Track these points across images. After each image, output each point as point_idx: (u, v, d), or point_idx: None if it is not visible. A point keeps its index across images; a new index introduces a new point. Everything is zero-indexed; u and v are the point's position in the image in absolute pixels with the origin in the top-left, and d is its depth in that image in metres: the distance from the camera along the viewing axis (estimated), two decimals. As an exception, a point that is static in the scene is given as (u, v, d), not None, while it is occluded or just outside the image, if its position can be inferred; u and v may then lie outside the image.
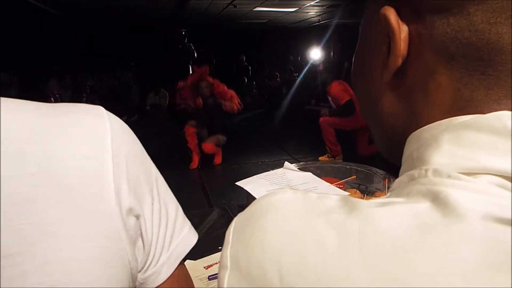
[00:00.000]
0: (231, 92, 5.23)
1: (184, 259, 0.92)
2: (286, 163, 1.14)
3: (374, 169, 1.17)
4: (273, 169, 1.14)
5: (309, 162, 1.26)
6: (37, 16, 7.00)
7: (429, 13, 0.28)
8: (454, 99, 0.28)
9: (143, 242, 0.41)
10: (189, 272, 0.92)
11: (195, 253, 0.88)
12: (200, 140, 5.15)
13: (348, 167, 1.22)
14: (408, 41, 0.30)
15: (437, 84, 0.29)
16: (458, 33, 0.27)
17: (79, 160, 0.36)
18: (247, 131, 5.50)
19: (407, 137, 0.31)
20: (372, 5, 0.33)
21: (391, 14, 0.29)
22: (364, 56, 0.36)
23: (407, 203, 0.25)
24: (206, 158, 5.20)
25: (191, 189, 4.23)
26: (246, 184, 1.03)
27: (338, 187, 1.09)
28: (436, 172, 0.26)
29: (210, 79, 5.16)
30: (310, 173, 1.11)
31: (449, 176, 0.25)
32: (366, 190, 1.13)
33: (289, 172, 1.11)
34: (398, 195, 0.27)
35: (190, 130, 5.13)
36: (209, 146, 5.13)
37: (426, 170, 0.26)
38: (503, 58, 0.26)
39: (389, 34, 0.30)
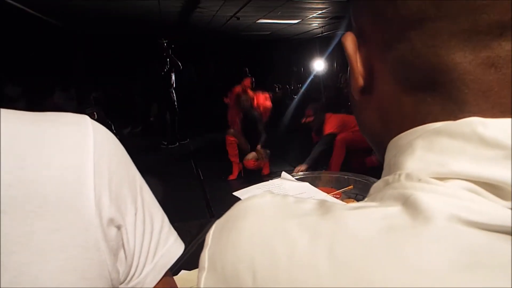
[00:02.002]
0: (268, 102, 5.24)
1: (178, 270, 0.92)
2: (284, 173, 1.14)
3: (372, 179, 1.16)
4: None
5: (307, 172, 1.26)
6: (41, 28, 7.10)
7: (377, 45, 0.31)
8: (415, 113, 0.29)
9: (125, 253, 0.41)
10: (184, 282, 0.92)
11: (190, 264, 0.88)
12: (244, 154, 5.08)
13: (346, 177, 1.22)
14: (370, 62, 0.32)
15: (399, 100, 0.31)
16: (404, 58, 0.28)
17: (56, 169, 0.35)
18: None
19: (387, 144, 0.32)
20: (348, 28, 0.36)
21: (348, 41, 0.33)
22: (348, 70, 0.38)
23: (380, 207, 0.25)
24: (212, 170, 5.20)
25: (194, 200, 4.22)
26: (243, 194, 1.04)
27: (335, 197, 1.09)
28: (408, 176, 0.26)
29: (251, 92, 5.25)
30: (307, 183, 1.11)
31: (419, 180, 0.25)
32: (363, 200, 1.12)
33: (286, 182, 1.11)
34: (373, 200, 0.28)
35: (230, 140, 5.08)
36: (250, 163, 5.04)
37: (400, 175, 0.27)
38: (446, 77, 0.27)
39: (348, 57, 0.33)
